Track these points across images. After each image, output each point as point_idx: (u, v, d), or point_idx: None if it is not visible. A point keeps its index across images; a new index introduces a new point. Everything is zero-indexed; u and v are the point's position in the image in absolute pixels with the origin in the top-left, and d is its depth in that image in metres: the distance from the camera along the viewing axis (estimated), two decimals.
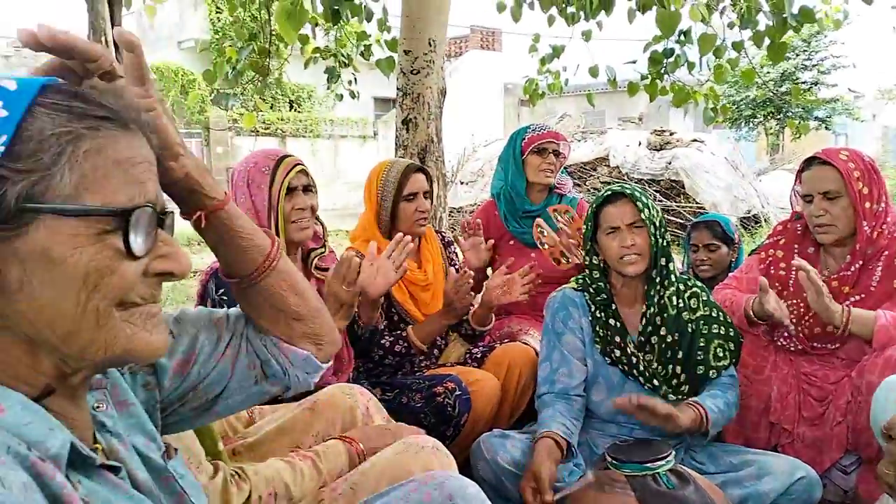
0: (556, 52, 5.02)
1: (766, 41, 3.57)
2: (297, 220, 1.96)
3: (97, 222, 0.67)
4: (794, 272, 2.22)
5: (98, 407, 0.82)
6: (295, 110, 17.36)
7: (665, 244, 2.02)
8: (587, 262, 2.10)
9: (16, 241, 0.64)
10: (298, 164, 1.98)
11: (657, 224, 1.99)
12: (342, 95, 5.60)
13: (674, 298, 2.04)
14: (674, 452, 1.71)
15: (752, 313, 2.14)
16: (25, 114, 0.65)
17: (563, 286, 2.19)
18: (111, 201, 0.68)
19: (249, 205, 1.90)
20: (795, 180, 2.26)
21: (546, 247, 2.66)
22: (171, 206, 0.83)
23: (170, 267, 0.75)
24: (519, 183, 2.87)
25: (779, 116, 20.95)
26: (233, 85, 4.48)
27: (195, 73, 15.23)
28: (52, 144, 0.65)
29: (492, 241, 2.79)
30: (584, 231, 2.09)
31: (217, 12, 15.66)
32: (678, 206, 8.89)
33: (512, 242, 2.91)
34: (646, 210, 1.98)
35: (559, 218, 2.70)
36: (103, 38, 6.88)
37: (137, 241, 0.69)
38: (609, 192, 2.02)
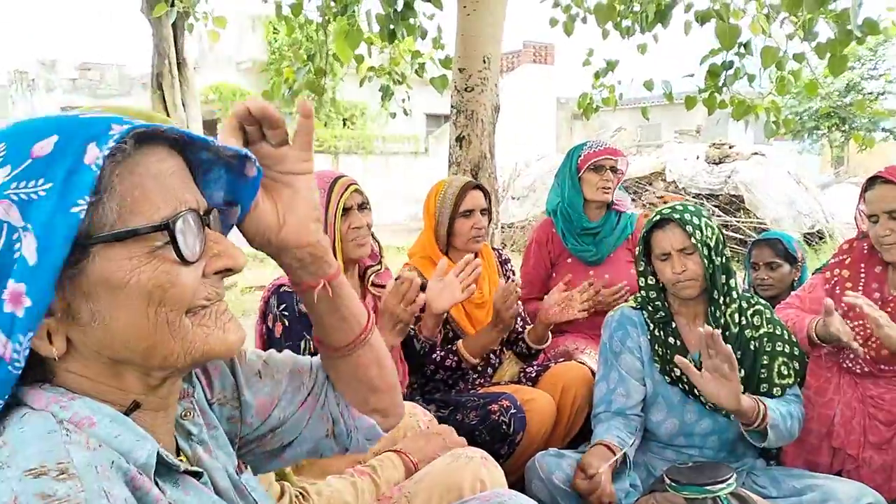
0: (611, 66, 4.98)
1: (828, 53, 3.48)
2: (355, 238, 2.00)
3: (146, 241, 0.69)
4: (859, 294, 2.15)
5: (185, 416, 0.86)
6: (348, 127, 17.66)
7: (723, 262, 1.98)
8: (642, 284, 2.08)
9: (78, 277, 0.67)
10: (353, 183, 2.02)
11: (711, 245, 1.95)
12: (395, 113, 5.68)
13: (736, 316, 2.00)
14: (735, 475, 1.66)
15: (815, 335, 2.08)
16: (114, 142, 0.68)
17: (622, 304, 2.17)
18: (153, 217, 0.69)
19: None
20: (860, 199, 2.19)
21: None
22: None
23: (226, 264, 0.76)
24: (576, 200, 2.86)
25: (843, 128, 20.31)
26: (289, 104, 4.59)
27: (253, 92, 15.67)
28: (104, 178, 0.67)
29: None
30: (637, 253, 2.07)
31: (274, 33, 16.12)
32: (738, 222, 8.65)
33: (570, 260, 2.89)
34: (697, 233, 1.93)
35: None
36: (167, 60, 7.18)
37: (188, 247, 0.71)
38: (658, 217, 1.99)
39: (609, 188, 2.83)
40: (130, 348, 0.71)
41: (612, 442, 1.89)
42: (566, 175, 2.89)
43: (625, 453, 1.89)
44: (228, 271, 0.77)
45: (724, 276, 1.98)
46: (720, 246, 1.98)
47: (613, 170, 2.84)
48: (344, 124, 17.82)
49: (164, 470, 0.73)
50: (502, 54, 4.53)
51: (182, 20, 6.43)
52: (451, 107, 3.96)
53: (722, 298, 1.99)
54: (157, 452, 0.71)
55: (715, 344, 1.75)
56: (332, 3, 4.31)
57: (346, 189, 1.99)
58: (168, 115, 7.21)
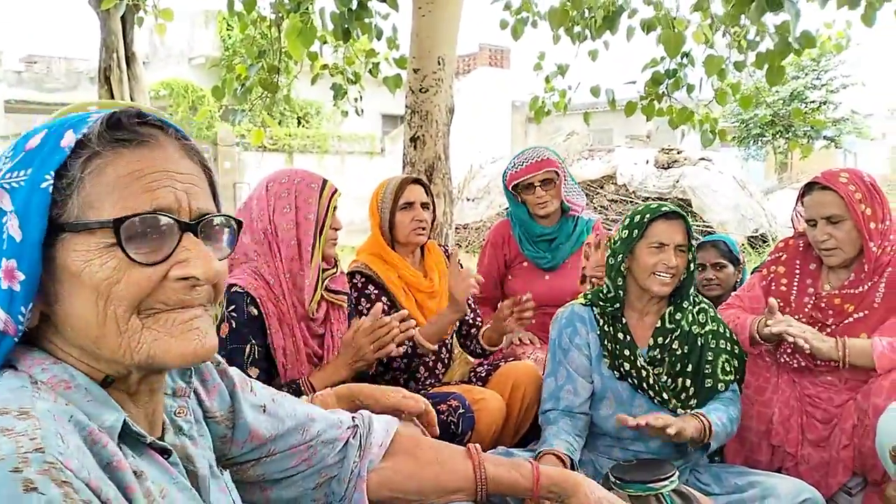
0: (562, 70, 5.04)
1: (767, 64, 3.59)
2: (332, 237, 2.06)
3: (100, 236, 0.72)
4: (794, 290, 2.22)
5: (179, 413, 0.89)
6: (303, 126, 17.47)
7: (693, 268, 2.04)
8: (610, 265, 2.07)
9: (51, 259, 0.73)
10: (334, 186, 2.08)
11: (693, 250, 2.02)
12: (347, 112, 5.64)
13: (687, 314, 2.06)
14: (677, 473, 1.70)
15: (756, 335, 2.14)
16: (93, 123, 0.74)
17: (571, 302, 2.19)
18: (105, 215, 0.72)
19: (292, 216, 1.96)
20: (797, 201, 2.26)
21: (593, 258, 2.59)
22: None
23: (186, 272, 0.75)
24: (521, 213, 2.89)
25: (787, 135, 20.94)
26: (241, 102, 4.52)
27: (205, 89, 15.39)
28: (74, 164, 0.72)
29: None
30: (620, 237, 2.05)
31: (228, 29, 15.85)
32: None
33: (525, 264, 2.92)
34: (692, 237, 2.00)
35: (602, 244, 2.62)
36: (115, 54, 6.99)
37: (134, 249, 0.72)
38: (667, 209, 2.01)
39: (543, 203, 2.81)
40: (86, 335, 0.74)
41: (561, 450, 1.91)
42: (507, 193, 2.93)
43: (573, 461, 1.92)
44: (194, 280, 0.76)
45: (687, 279, 2.04)
46: (694, 251, 2.04)
47: (547, 182, 2.81)
48: (299, 123, 17.62)
49: (131, 441, 0.77)
50: (458, 56, 4.54)
51: (131, 14, 6.27)
52: (406, 107, 3.95)
53: (683, 300, 2.05)
54: (125, 420, 0.75)
55: (651, 430, 1.82)
56: (286, 1, 4.26)
57: (334, 191, 2.04)
58: None
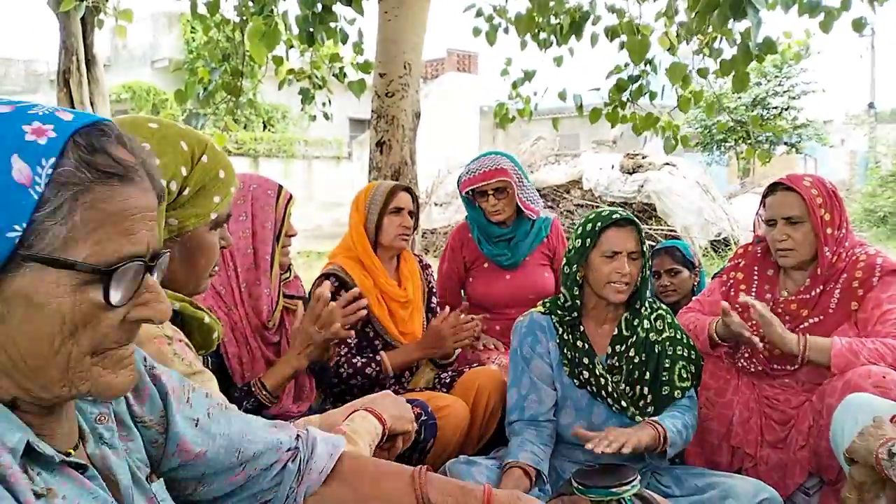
0: (528, 76, 5.07)
1: (731, 71, 3.66)
2: (286, 245, 2.05)
3: (78, 275, 0.68)
4: (752, 295, 2.26)
5: (100, 420, 0.85)
6: (269, 130, 17.32)
7: (647, 274, 2.06)
8: (565, 274, 2.07)
9: (3, 281, 0.67)
10: (290, 194, 2.07)
11: (647, 256, 2.03)
12: (315, 116, 5.61)
13: (645, 322, 2.07)
14: (639, 477, 1.71)
15: (715, 335, 2.17)
16: (62, 151, 0.68)
17: (531, 310, 2.20)
18: (96, 254, 0.69)
19: (248, 224, 1.94)
20: (760, 205, 2.31)
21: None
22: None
23: (148, 314, 0.75)
24: (478, 217, 2.90)
25: (749, 141, 21.32)
26: (204, 105, 4.46)
27: (168, 92, 15.18)
28: (60, 194, 0.67)
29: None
30: (574, 246, 2.04)
31: (192, 32, 15.65)
32: (650, 230, 8.99)
33: (486, 265, 2.93)
34: (644, 242, 2.02)
35: None
36: (74, 57, 6.84)
37: (117, 295, 0.71)
38: (618, 216, 2.01)
39: (496, 211, 2.82)
40: (23, 361, 0.70)
41: (527, 462, 1.92)
42: (461, 196, 2.94)
43: (539, 472, 1.92)
44: (149, 321, 0.76)
45: (642, 285, 2.06)
46: (648, 257, 2.06)
47: (500, 190, 2.79)
48: (264, 127, 17.46)
49: (42, 458, 0.73)
50: (426, 62, 4.54)
51: (91, 16, 6.15)
52: (372, 112, 3.94)
53: (640, 306, 2.06)
54: (28, 441, 0.71)
55: (607, 442, 1.82)
56: (251, 3, 4.22)
57: (289, 199, 2.03)
58: None
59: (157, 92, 15.95)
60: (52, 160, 0.67)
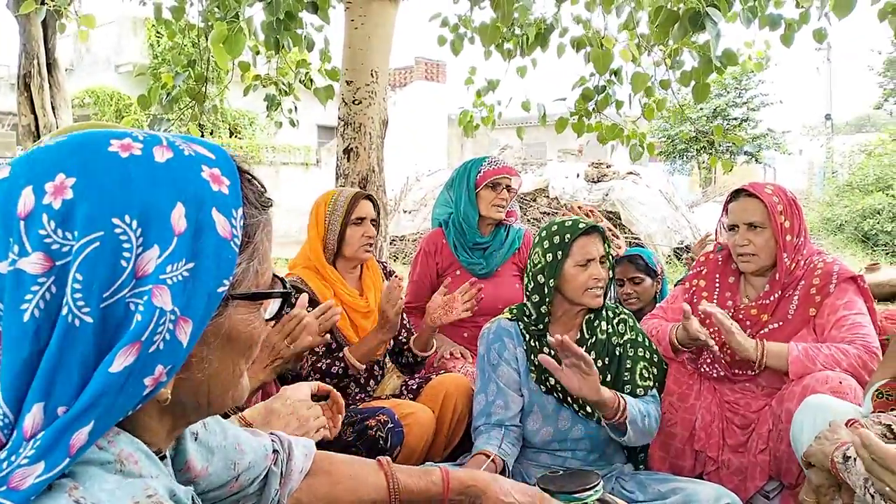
0: (492, 85, 5.11)
1: (693, 82, 3.74)
2: None
3: (263, 299, 0.74)
4: (714, 302, 2.30)
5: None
6: (236, 137, 17.14)
7: (612, 274, 2.11)
8: (534, 287, 2.08)
9: (209, 327, 0.68)
10: None
11: (612, 258, 2.08)
12: (281, 123, 5.57)
13: (604, 324, 2.10)
14: (602, 482, 1.73)
15: (675, 341, 2.21)
16: (242, 200, 0.69)
17: (498, 316, 2.21)
18: (268, 279, 0.74)
19: None
20: (722, 212, 2.36)
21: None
22: None
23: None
24: (471, 215, 2.90)
25: (711, 151, 21.76)
26: (168, 111, 4.40)
27: (132, 97, 14.95)
28: (255, 237, 0.71)
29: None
30: (544, 260, 2.06)
31: (157, 36, 15.44)
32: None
33: (459, 273, 2.93)
34: (609, 245, 2.06)
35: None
36: (35, 61, 6.71)
37: (269, 312, 0.77)
38: (583, 225, 2.04)
39: (503, 207, 2.89)
40: (210, 394, 0.72)
41: (490, 450, 1.93)
42: (463, 189, 2.93)
43: (505, 463, 1.93)
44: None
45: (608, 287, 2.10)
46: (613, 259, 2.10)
47: (508, 188, 2.90)
48: (231, 134, 17.28)
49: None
50: (394, 69, 4.55)
51: (53, 19, 6.04)
52: (339, 119, 3.93)
53: (601, 308, 2.09)
54: (192, 496, 0.73)
55: (565, 349, 1.80)
56: (216, 9, 4.18)
57: None
58: (36, 117, 6.74)
59: (121, 97, 15.69)
60: (241, 211, 0.68)
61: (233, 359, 0.72)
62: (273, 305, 0.77)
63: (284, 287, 0.76)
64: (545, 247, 2.06)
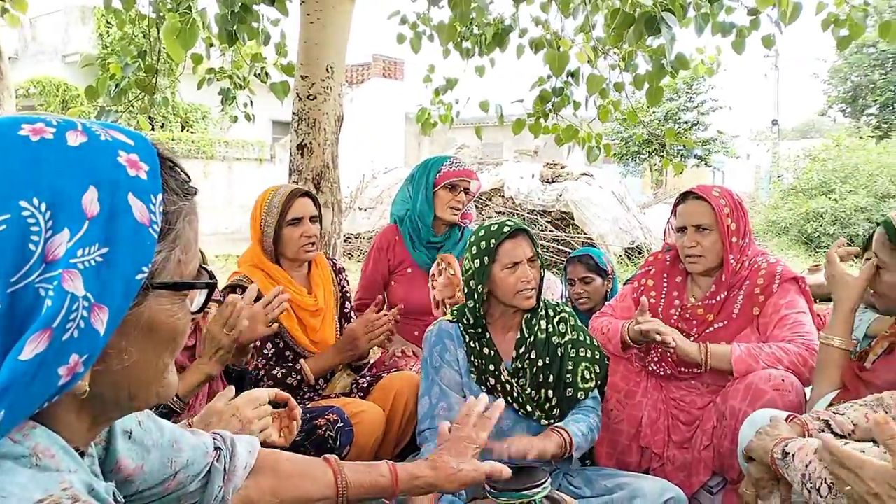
0: (450, 84, 5.11)
1: (646, 85, 3.80)
2: None
3: (190, 290, 0.72)
4: (662, 301, 2.35)
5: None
6: (188, 131, 16.79)
7: (543, 273, 2.11)
8: (468, 292, 2.10)
9: (129, 318, 0.66)
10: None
11: (541, 256, 2.08)
12: (237, 117, 5.48)
13: (543, 323, 2.12)
14: (549, 479, 1.75)
15: (627, 338, 2.25)
16: (162, 186, 0.68)
17: (440, 318, 2.21)
18: (193, 269, 0.73)
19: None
20: (672, 213, 2.40)
21: (438, 282, 2.67)
22: None
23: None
24: (427, 214, 2.90)
25: (662, 153, 22.20)
26: (116, 102, 4.28)
27: (79, 88, 14.52)
28: (177, 224, 0.69)
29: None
30: (472, 266, 2.07)
31: (107, 26, 15.02)
32: (568, 237, 9.23)
33: (409, 271, 2.93)
34: (536, 244, 2.06)
35: (444, 269, 2.71)
36: None
37: (196, 303, 0.76)
38: (508, 228, 2.04)
39: (458, 209, 2.90)
40: (132, 387, 0.71)
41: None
42: (421, 187, 2.92)
43: None
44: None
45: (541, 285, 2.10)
46: (542, 258, 2.11)
47: (466, 191, 2.91)
48: (183, 128, 16.91)
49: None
50: (351, 66, 4.52)
51: None
52: (293, 114, 3.88)
53: (538, 306, 2.10)
54: (113, 491, 0.71)
55: (510, 450, 1.85)
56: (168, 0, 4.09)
57: None
58: None
59: (68, 87, 15.22)
60: (160, 196, 0.67)
61: (155, 351, 0.70)
62: (199, 298, 0.76)
63: (211, 278, 0.75)
64: (473, 252, 2.07)
